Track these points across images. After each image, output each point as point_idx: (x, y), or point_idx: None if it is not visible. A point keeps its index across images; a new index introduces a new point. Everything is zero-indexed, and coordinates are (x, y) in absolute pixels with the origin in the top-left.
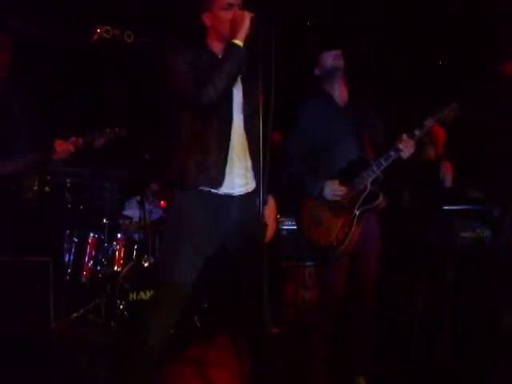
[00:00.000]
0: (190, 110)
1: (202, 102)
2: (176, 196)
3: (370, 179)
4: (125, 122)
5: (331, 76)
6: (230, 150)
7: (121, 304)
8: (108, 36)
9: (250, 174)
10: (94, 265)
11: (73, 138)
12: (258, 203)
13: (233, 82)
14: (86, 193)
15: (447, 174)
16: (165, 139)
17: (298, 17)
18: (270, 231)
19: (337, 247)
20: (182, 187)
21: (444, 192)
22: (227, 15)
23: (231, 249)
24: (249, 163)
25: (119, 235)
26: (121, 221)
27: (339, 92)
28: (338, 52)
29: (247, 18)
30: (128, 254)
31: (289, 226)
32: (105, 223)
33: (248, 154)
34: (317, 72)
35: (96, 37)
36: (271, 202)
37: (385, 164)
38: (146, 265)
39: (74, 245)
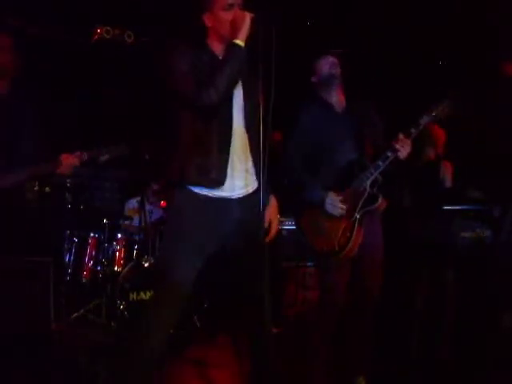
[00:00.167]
0: (190, 110)
1: (203, 103)
2: (176, 196)
3: (369, 181)
4: (125, 123)
5: (328, 84)
6: (230, 150)
7: (121, 304)
8: (108, 36)
9: (251, 176)
10: (94, 265)
11: (78, 152)
12: (258, 203)
13: (234, 83)
14: (86, 193)
15: (447, 174)
16: (165, 139)
17: (298, 17)
18: (273, 231)
19: (339, 252)
20: (182, 188)
21: (444, 192)
22: (228, 16)
23: (232, 249)
24: (249, 164)
25: (119, 235)
26: (121, 221)
27: (337, 99)
28: (335, 60)
29: (247, 19)
30: (128, 254)
31: (289, 226)
32: (105, 223)
33: (249, 155)
34: (314, 79)
35: (96, 37)
36: (273, 202)
37: (382, 165)
38: (146, 265)
39: (74, 245)
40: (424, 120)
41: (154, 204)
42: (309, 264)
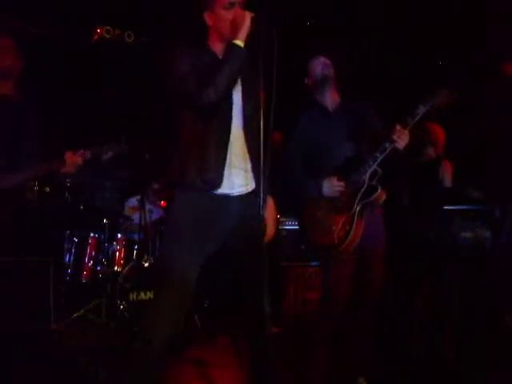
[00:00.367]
0: (190, 110)
1: (203, 102)
2: (176, 195)
3: (368, 173)
4: (125, 122)
5: (322, 86)
6: (228, 150)
7: (121, 304)
8: (108, 36)
9: (250, 175)
10: (94, 265)
11: (81, 151)
12: (257, 203)
13: (234, 83)
14: (86, 193)
15: (447, 173)
16: (165, 139)
17: (298, 17)
18: (270, 231)
19: (338, 246)
20: (182, 187)
21: (444, 192)
22: (228, 15)
23: (232, 248)
24: (248, 164)
25: (119, 235)
26: (121, 221)
27: (331, 99)
28: (326, 61)
29: (248, 18)
30: (128, 253)
31: (289, 226)
32: (105, 223)
33: (248, 155)
34: (307, 81)
35: (96, 37)
36: (270, 202)
37: (380, 157)
38: (146, 265)
39: (74, 245)
40: (420, 110)
41: (154, 203)
42: (309, 264)
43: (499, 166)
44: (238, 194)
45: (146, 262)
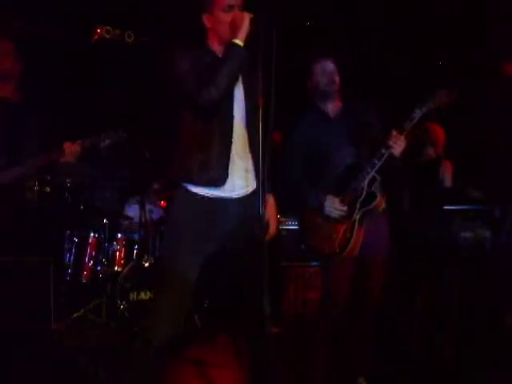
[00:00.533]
0: (190, 110)
1: (204, 102)
2: (176, 195)
3: (366, 180)
4: (125, 122)
5: (326, 97)
6: (231, 149)
7: (121, 304)
8: (108, 36)
9: (251, 175)
10: (94, 265)
11: (79, 141)
12: (258, 203)
13: (234, 82)
14: (86, 193)
15: (447, 173)
16: (165, 139)
17: (298, 17)
18: (272, 229)
19: (340, 254)
20: (182, 187)
21: (444, 192)
22: (227, 17)
23: (232, 248)
24: (249, 163)
25: (119, 235)
26: (121, 221)
27: (332, 105)
28: (332, 67)
29: (247, 19)
30: (128, 253)
31: (289, 226)
32: (105, 223)
33: (249, 154)
34: (309, 84)
35: (96, 37)
36: (271, 200)
37: (378, 163)
38: (146, 265)
39: (74, 245)
40: (417, 113)
41: (154, 203)
42: (309, 264)
43: (499, 166)
44: (236, 196)
45: (146, 262)
